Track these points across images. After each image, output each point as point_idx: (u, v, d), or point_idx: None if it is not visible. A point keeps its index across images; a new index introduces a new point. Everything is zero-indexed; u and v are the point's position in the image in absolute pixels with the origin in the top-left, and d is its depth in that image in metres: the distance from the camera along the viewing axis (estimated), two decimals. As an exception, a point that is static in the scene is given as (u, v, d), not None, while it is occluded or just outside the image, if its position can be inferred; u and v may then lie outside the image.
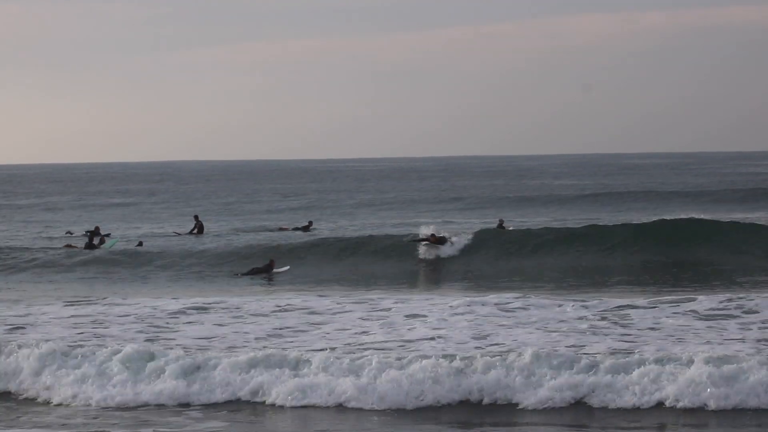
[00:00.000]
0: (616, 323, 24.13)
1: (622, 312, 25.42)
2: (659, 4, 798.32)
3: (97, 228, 54.66)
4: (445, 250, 42.18)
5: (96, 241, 47.72)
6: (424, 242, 42.43)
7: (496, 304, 26.84)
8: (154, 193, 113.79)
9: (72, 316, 27.36)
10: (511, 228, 48.60)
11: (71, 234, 55.57)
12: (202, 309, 27.64)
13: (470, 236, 42.72)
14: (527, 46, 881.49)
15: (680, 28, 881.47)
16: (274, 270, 38.68)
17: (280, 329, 24.57)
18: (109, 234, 53.20)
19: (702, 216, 43.81)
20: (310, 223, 59.16)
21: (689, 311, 25.38)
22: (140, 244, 48.36)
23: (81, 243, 47.85)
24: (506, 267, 39.23)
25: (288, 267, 39.32)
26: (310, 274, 38.45)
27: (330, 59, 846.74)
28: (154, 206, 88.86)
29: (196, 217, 57.69)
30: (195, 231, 55.36)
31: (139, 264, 41.26)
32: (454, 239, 42.54)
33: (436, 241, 42.51)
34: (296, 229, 57.42)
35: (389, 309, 26.92)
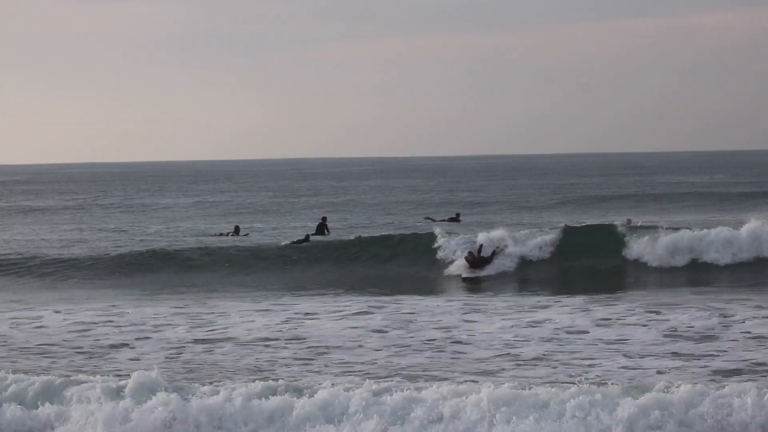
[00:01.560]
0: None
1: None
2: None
3: (237, 227, 56.66)
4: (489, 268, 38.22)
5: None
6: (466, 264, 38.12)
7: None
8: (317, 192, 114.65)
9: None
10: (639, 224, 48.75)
11: (224, 234, 56.13)
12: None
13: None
14: (642, 42, 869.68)
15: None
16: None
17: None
18: (247, 234, 55.49)
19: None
20: (458, 214, 60.45)
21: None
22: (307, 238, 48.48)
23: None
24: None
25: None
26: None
27: (465, 55, 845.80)
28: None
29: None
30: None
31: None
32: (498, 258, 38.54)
33: (474, 261, 38.17)
34: (444, 220, 58.26)
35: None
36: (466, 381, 18.53)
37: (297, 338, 24.57)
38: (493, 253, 38.55)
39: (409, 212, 74.47)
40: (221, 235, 55.44)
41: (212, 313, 28.90)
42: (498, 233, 40.17)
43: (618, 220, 44.76)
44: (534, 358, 21.54)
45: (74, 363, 22.43)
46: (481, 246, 38.94)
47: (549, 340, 23.51)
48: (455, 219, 58.74)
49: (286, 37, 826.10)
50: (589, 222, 51.06)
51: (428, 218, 60.61)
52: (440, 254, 40.63)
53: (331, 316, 27.73)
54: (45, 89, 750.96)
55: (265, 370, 20.92)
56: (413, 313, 27.71)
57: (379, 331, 25.21)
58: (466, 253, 38.62)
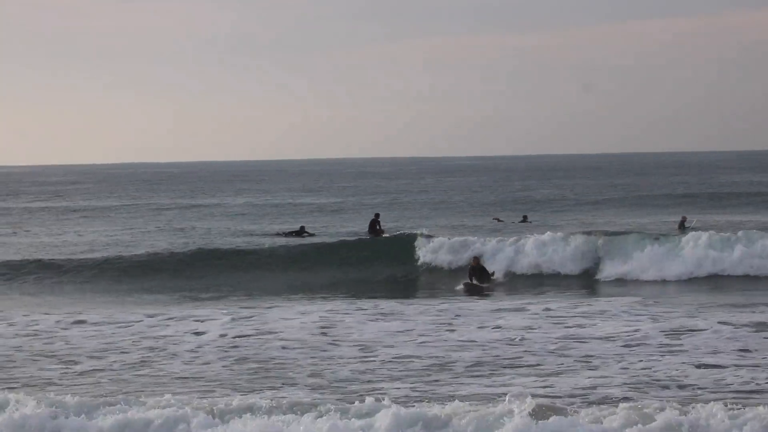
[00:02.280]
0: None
1: None
2: None
3: (302, 227, 56.75)
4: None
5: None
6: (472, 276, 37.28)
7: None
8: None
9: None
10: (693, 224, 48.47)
11: (290, 233, 56.39)
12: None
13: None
14: (678, 40, 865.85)
15: None
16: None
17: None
18: (314, 234, 55.43)
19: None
20: (525, 216, 59.94)
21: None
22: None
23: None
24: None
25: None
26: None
27: (549, 55, 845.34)
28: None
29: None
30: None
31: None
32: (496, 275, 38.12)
33: (477, 269, 37.52)
34: (513, 222, 58.18)
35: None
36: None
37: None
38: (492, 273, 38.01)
39: (470, 212, 74.07)
40: (287, 234, 55.52)
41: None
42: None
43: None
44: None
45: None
46: (479, 258, 38.71)
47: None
48: (524, 220, 58.05)
49: (328, 39, 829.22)
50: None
51: (497, 219, 59.90)
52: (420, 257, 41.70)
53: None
54: (121, 91, 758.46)
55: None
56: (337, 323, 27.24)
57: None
58: (471, 260, 38.44)
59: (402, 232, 47.82)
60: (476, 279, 36.97)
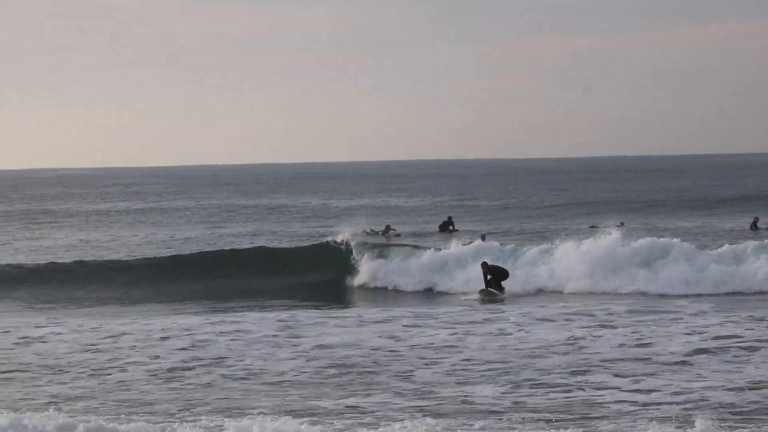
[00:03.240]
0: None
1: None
2: None
3: (387, 227, 58.58)
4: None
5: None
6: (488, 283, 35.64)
7: None
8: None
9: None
10: None
11: (376, 232, 57.45)
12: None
13: None
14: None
15: None
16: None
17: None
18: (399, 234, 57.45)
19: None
20: (623, 223, 58.35)
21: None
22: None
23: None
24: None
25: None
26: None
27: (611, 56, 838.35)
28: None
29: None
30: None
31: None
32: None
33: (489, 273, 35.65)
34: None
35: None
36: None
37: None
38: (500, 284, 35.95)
39: (558, 215, 74.25)
40: (373, 233, 56.85)
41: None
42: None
43: None
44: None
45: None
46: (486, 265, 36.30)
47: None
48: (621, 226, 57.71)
49: (404, 40, 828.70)
50: None
51: (593, 227, 58.75)
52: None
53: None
54: (207, 93, 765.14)
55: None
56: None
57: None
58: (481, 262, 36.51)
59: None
60: (493, 285, 35.46)
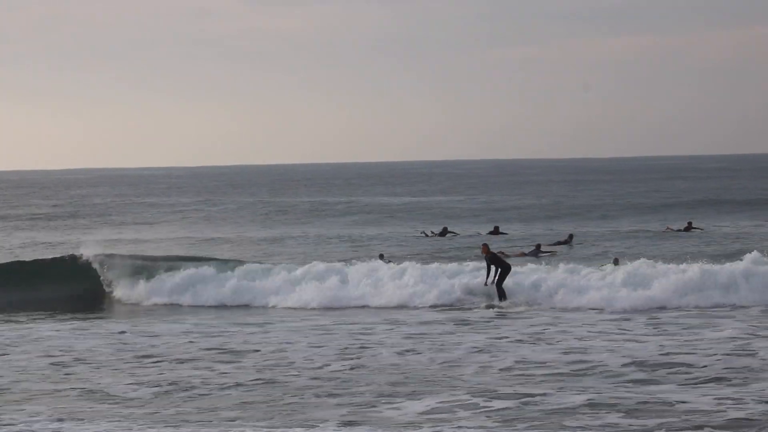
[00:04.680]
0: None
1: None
2: None
3: (445, 228, 58.05)
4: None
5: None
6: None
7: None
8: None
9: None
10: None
11: (429, 234, 56.83)
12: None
13: None
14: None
15: None
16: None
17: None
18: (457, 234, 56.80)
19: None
20: (691, 223, 57.02)
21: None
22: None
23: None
24: None
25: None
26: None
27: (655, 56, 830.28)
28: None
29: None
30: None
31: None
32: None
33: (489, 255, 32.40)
34: (680, 230, 55.89)
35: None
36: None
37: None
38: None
39: (623, 217, 72.68)
40: (425, 234, 56.37)
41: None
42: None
43: None
44: None
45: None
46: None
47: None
48: (689, 228, 55.98)
49: (453, 40, 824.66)
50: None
51: (669, 228, 57.10)
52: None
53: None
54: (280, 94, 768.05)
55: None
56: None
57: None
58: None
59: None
60: (496, 271, 32.18)
